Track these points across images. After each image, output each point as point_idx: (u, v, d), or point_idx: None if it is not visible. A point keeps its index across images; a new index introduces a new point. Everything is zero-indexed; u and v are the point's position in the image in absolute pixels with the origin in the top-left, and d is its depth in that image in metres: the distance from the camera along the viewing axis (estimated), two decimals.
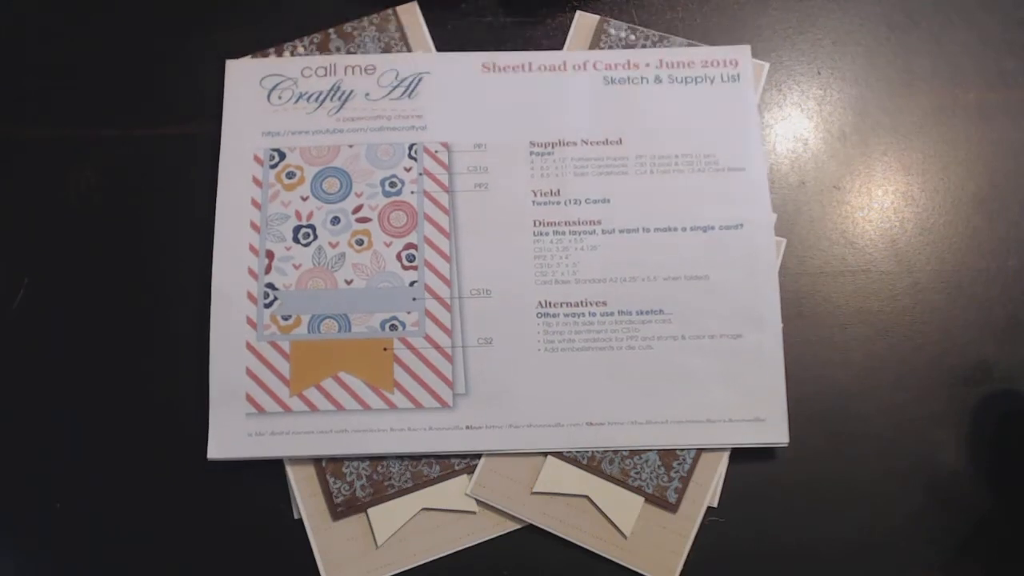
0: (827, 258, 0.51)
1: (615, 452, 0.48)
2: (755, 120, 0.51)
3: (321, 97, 0.51)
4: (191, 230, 0.50)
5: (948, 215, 0.51)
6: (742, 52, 0.52)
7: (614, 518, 0.47)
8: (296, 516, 0.48)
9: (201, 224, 0.50)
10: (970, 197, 0.52)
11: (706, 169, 0.50)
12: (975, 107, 0.52)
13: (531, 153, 0.50)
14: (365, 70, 0.52)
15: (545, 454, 0.48)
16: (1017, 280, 0.50)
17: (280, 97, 0.51)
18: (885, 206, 0.52)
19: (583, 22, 0.53)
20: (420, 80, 0.51)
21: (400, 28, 0.53)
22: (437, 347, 0.48)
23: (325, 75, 0.51)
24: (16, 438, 0.49)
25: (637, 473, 0.48)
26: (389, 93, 0.51)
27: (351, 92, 0.51)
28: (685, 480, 0.48)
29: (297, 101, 0.51)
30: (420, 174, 0.50)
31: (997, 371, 0.49)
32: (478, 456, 0.48)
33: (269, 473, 0.48)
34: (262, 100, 0.51)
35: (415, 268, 0.49)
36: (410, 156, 0.50)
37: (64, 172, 0.51)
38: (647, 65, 0.52)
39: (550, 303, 0.49)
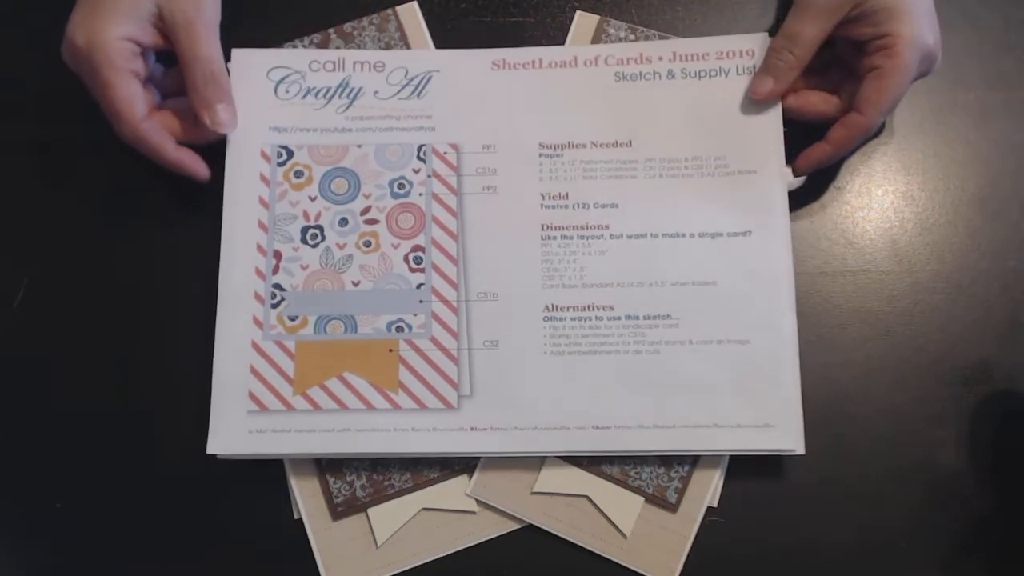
0: (827, 258, 0.51)
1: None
2: (774, 113, 0.49)
3: (330, 93, 0.51)
4: (197, 225, 0.50)
5: (948, 215, 0.51)
6: (759, 41, 0.50)
7: (614, 518, 0.47)
8: (296, 516, 0.48)
9: (207, 219, 0.50)
10: (970, 197, 0.52)
11: (716, 173, 0.49)
12: (975, 107, 0.52)
13: (540, 155, 0.50)
14: (374, 67, 0.51)
15: (546, 457, 0.48)
16: (1017, 280, 0.50)
17: (288, 91, 0.51)
18: (885, 206, 0.52)
19: (583, 22, 0.53)
20: (430, 79, 0.51)
21: (400, 28, 0.53)
22: (443, 349, 0.48)
23: (334, 69, 0.51)
24: (17, 437, 0.49)
25: (637, 473, 0.48)
26: (399, 92, 0.51)
27: (360, 89, 0.51)
28: (685, 480, 0.48)
29: (305, 96, 0.51)
30: (429, 176, 0.50)
31: (997, 371, 0.49)
32: (479, 458, 0.48)
33: (269, 473, 0.48)
34: (269, 93, 0.51)
35: (422, 270, 0.49)
36: (419, 158, 0.50)
37: (64, 172, 0.52)
38: (660, 59, 0.51)
39: (557, 307, 0.48)
